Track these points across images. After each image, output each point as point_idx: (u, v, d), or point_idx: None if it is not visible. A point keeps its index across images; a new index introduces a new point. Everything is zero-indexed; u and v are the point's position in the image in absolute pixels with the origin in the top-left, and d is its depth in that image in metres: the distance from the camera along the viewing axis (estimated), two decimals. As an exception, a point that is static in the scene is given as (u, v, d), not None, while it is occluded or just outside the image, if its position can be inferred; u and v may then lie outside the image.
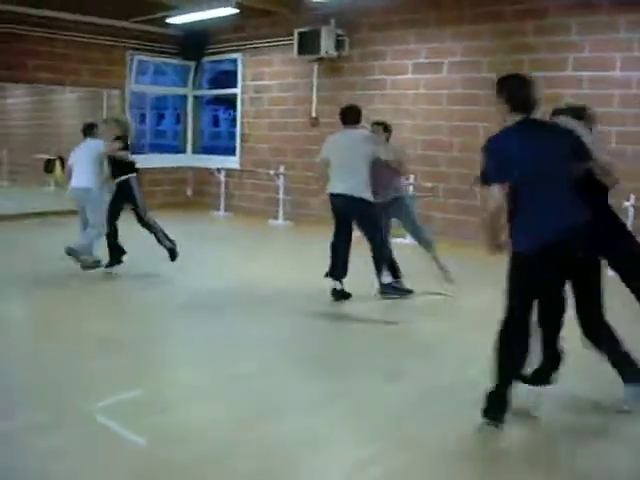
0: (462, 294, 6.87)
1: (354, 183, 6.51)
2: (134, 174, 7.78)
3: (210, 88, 14.71)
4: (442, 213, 10.22)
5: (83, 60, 12.03)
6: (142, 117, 15.04)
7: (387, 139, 7.03)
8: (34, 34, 11.30)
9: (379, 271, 6.62)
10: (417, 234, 7.10)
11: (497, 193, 3.62)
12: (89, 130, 7.85)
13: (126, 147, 7.67)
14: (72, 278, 7.37)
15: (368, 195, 6.52)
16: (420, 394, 4.37)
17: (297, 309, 6.43)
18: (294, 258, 9.09)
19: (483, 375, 3.89)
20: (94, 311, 6.33)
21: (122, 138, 7.65)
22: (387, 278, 6.66)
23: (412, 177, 10.07)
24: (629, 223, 8.09)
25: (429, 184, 10.18)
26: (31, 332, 5.87)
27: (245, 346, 5.35)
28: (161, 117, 16.97)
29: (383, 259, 6.65)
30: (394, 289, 6.76)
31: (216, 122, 15.23)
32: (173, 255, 7.81)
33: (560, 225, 3.64)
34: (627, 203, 8.32)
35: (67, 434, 3.72)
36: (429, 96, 10.33)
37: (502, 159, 3.69)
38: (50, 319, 6.10)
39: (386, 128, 7.07)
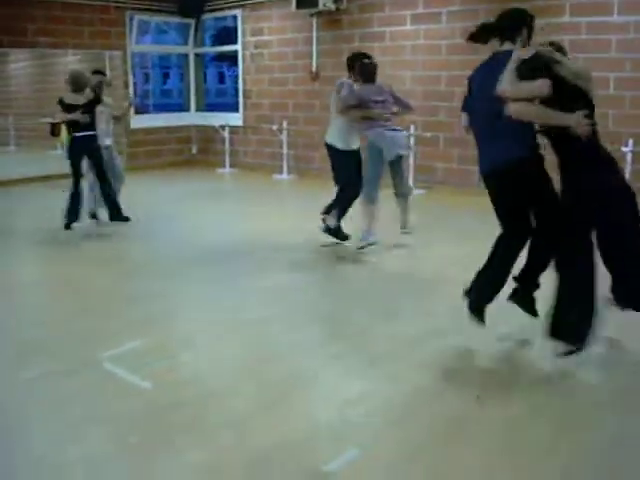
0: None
1: (329, 131, 6.90)
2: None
3: (213, 45, 14.69)
4: (443, 162, 10.32)
5: (82, 22, 12.07)
6: (146, 76, 15.04)
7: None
8: (32, -1, 11.34)
9: (328, 212, 6.91)
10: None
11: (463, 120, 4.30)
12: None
13: None
14: (84, 238, 7.59)
15: (339, 143, 6.73)
16: (414, 334, 4.54)
17: (298, 260, 6.60)
18: (296, 211, 9.22)
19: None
20: (105, 269, 6.53)
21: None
22: (332, 221, 6.86)
23: (412, 127, 10.17)
24: (627, 169, 8.18)
25: (428, 134, 10.26)
26: (47, 290, 6.11)
27: (248, 296, 5.54)
28: (166, 76, 16.97)
29: (339, 203, 6.86)
30: (334, 232, 6.99)
31: (222, 79, 15.23)
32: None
33: (494, 158, 4.04)
34: (625, 149, 8.37)
35: (78, 381, 3.96)
36: (428, 46, 10.35)
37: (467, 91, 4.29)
38: (64, 277, 6.31)
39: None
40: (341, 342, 4.55)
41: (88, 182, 7.86)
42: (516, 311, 4.38)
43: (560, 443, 3.18)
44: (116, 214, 7.84)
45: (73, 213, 7.67)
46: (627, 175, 7.81)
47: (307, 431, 3.34)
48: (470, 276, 4.32)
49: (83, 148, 7.62)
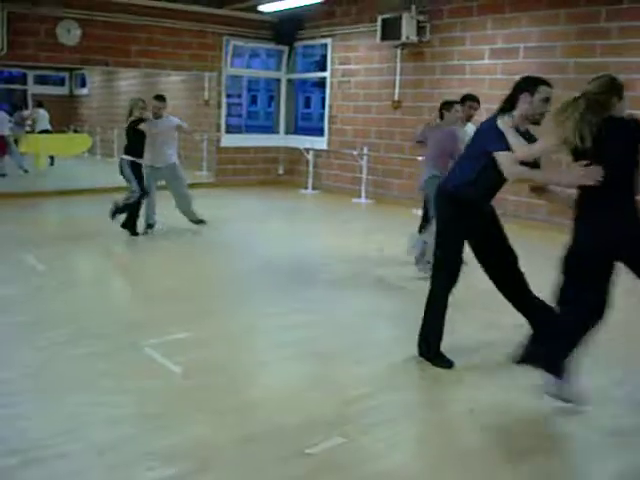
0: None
1: None
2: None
3: (304, 72, 15.30)
4: (513, 196, 10.48)
5: (181, 46, 12.93)
6: (237, 97, 15.83)
7: None
8: (136, 23, 12.25)
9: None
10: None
11: None
12: None
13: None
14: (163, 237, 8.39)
15: None
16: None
17: (349, 275, 7.00)
18: (366, 234, 9.60)
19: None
20: (176, 270, 7.17)
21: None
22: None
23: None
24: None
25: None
26: (107, 283, 6.77)
27: (294, 304, 5.98)
28: (254, 98, 17.74)
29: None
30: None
31: (308, 103, 15.88)
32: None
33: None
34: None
35: (118, 360, 4.52)
36: (506, 81, 10.55)
37: None
38: (125, 273, 6.94)
39: None
40: (364, 350, 4.89)
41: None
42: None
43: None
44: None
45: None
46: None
47: (302, 419, 3.73)
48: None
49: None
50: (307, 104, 15.38)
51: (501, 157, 4.13)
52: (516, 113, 4.27)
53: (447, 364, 4.50)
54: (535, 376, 3.81)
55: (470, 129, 7.06)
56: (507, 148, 4.13)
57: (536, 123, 4.32)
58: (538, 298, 4.59)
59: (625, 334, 5.13)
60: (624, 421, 3.83)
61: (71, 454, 3.29)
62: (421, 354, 4.61)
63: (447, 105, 7.32)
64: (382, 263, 7.58)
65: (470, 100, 7.43)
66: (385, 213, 11.37)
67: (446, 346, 4.56)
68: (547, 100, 4.27)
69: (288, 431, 3.60)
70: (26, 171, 15.08)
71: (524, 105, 4.26)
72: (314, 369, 4.54)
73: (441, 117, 7.33)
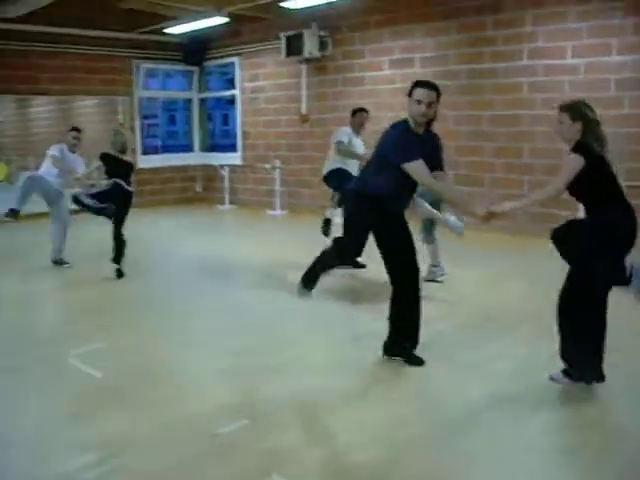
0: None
1: None
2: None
3: (217, 90, 15.65)
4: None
5: (91, 71, 13.12)
6: (154, 118, 16.09)
7: None
8: (45, 49, 12.43)
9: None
10: None
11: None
12: None
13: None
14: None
15: None
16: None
17: (266, 279, 7.39)
18: (278, 242, 10.02)
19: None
20: (93, 286, 7.43)
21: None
22: None
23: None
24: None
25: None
26: (26, 304, 6.99)
27: (199, 306, 6.36)
28: (172, 118, 18.01)
29: None
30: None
31: (226, 121, 16.23)
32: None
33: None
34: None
35: (41, 371, 4.82)
36: (405, 89, 11.10)
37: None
38: (50, 294, 7.18)
39: None
40: (271, 345, 5.29)
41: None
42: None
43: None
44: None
45: None
46: None
47: (213, 408, 4.11)
48: None
49: None
50: (225, 121, 15.71)
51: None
52: (408, 117, 4.64)
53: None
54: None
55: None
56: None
57: (420, 123, 4.58)
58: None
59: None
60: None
61: (-2, 451, 3.59)
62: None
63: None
64: (289, 269, 7.95)
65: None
66: (298, 221, 11.81)
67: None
68: (419, 102, 4.52)
69: (200, 417, 3.98)
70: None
71: (408, 109, 4.62)
72: (225, 364, 4.91)
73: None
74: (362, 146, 7.99)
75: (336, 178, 7.86)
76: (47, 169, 8.34)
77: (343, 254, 5.19)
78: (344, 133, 7.91)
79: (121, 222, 7.87)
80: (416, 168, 4.47)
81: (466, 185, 10.15)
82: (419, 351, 4.86)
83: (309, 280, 5.04)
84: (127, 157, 8.06)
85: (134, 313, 6.50)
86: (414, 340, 4.87)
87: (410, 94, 4.62)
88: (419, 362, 4.82)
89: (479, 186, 10.25)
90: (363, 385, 4.52)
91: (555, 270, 4.42)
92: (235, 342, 5.41)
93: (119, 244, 7.84)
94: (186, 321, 6.06)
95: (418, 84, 4.67)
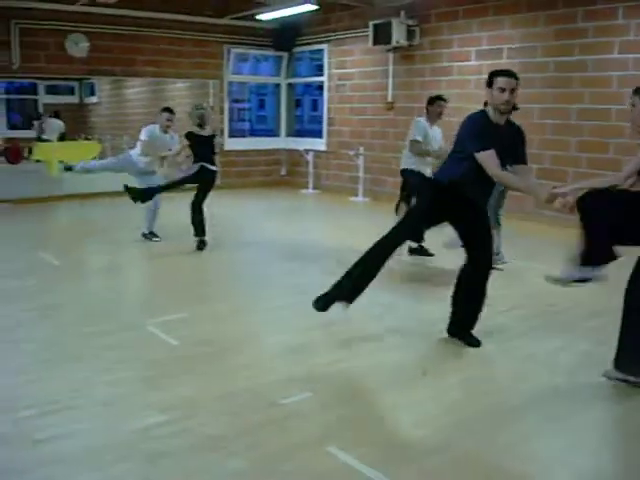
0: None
1: None
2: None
3: (305, 76, 15.87)
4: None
5: (184, 54, 13.58)
6: (244, 102, 16.46)
7: None
8: (140, 33, 12.92)
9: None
10: None
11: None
12: None
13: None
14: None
15: None
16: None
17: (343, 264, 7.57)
18: (359, 228, 10.16)
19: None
20: (177, 261, 7.82)
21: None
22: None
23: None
24: None
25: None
26: (115, 275, 7.40)
27: (282, 290, 6.62)
28: (262, 102, 18.33)
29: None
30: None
31: (315, 107, 16.43)
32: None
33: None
34: None
35: (122, 336, 5.17)
36: (491, 80, 11.11)
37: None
38: (132, 265, 7.57)
39: None
40: (336, 324, 5.48)
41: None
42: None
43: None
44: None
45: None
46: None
47: (279, 379, 4.34)
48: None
49: None
50: (314, 107, 15.90)
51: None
52: (488, 107, 4.71)
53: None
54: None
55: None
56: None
57: (505, 113, 4.67)
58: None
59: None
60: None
61: (79, 406, 3.91)
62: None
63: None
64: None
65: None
66: (380, 209, 11.92)
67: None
68: (502, 90, 4.56)
69: (265, 387, 4.20)
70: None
71: (489, 99, 4.68)
72: (293, 340, 5.14)
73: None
74: (440, 136, 8.02)
75: (411, 182, 7.93)
76: (138, 150, 8.72)
77: (400, 236, 5.14)
78: (420, 128, 7.85)
79: (204, 197, 8.21)
80: (486, 157, 4.56)
81: (550, 180, 10.06)
82: (483, 339, 4.96)
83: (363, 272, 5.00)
84: (207, 130, 8.35)
85: (213, 288, 6.86)
86: (473, 322, 5.02)
87: (490, 84, 4.66)
88: (477, 343, 4.95)
89: (563, 181, 10.12)
90: (424, 364, 4.63)
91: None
92: (305, 320, 5.59)
93: (199, 218, 8.16)
94: (261, 298, 6.34)
95: (498, 73, 4.71)
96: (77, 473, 3.23)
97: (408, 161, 8.00)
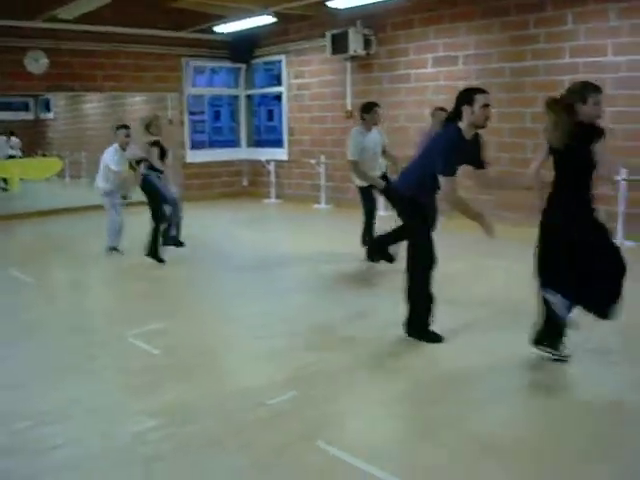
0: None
1: None
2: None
3: (263, 87, 16.01)
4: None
5: (143, 69, 13.66)
6: (201, 114, 16.56)
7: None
8: (98, 49, 12.97)
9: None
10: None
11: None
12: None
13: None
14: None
15: None
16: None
17: (307, 267, 7.75)
18: (324, 234, 10.39)
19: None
20: (146, 273, 7.91)
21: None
22: None
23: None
24: (622, 196, 9.05)
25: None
26: (89, 289, 7.44)
27: (248, 293, 6.82)
28: (217, 114, 18.40)
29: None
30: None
31: (271, 117, 16.56)
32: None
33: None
34: (618, 177, 9.15)
35: (105, 348, 5.29)
36: (448, 87, 11.38)
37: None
38: (102, 279, 7.66)
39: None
40: (311, 332, 5.63)
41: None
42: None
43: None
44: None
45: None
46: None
47: (263, 382, 4.47)
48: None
49: None
50: (270, 117, 16.02)
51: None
52: (462, 124, 4.87)
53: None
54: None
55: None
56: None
57: (482, 127, 4.92)
58: None
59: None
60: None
61: (72, 416, 4.02)
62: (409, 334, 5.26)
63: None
64: (331, 260, 8.33)
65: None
66: (343, 215, 12.13)
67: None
68: (485, 106, 4.80)
69: (251, 390, 4.35)
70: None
71: (468, 116, 4.83)
72: (273, 344, 5.29)
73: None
74: (379, 138, 8.08)
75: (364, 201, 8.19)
76: (110, 178, 8.79)
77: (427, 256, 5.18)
78: (355, 143, 7.86)
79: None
80: (449, 182, 4.86)
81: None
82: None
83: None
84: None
85: (186, 298, 6.96)
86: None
87: (470, 102, 4.80)
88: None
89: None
90: (400, 360, 4.81)
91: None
92: (282, 325, 5.76)
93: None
94: (236, 306, 6.47)
95: (477, 90, 4.91)
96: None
97: (356, 179, 8.15)
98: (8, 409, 4.13)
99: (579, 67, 9.74)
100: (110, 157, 8.66)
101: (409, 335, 5.22)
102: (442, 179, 4.84)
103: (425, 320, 5.19)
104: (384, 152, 8.11)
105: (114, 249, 8.88)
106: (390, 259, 7.54)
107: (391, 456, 3.49)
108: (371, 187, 8.04)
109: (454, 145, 4.86)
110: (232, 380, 4.58)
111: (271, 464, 3.42)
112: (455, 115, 4.91)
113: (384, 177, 7.94)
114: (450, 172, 4.82)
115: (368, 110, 7.99)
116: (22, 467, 3.44)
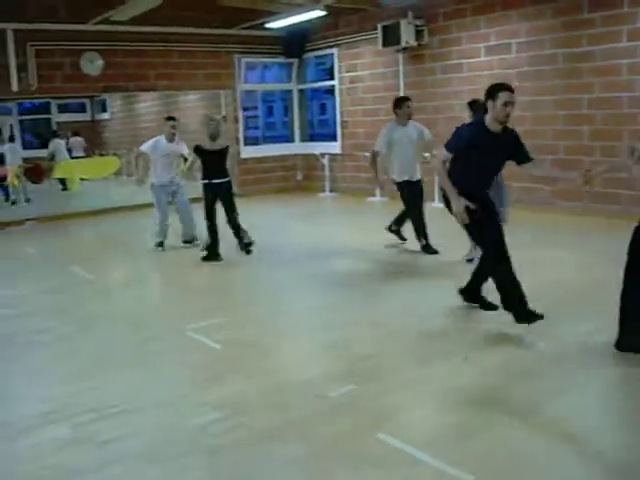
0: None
1: None
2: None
3: (315, 81, 16.06)
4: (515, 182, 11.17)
5: (196, 66, 13.82)
6: (254, 110, 16.72)
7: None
8: (152, 48, 13.18)
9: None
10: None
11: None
12: None
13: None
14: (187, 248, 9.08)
15: None
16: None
17: (363, 260, 7.78)
18: (376, 227, 10.33)
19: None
20: (205, 270, 8.10)
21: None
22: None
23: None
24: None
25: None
26: (149, 285, 7.65)
27: (306, 287, 6.87)
28: (270, 109, 18.53)
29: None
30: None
31: (323, 111, 16.64)
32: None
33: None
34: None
35: (166, 343, 5.41)
36: (502, 75, 11.25)
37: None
38: (162, 276, 7.82)
39: None
40: (368, 323, 5.66)
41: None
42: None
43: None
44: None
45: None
46: None
47: (322, 374, 4.52)
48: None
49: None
50: (323, 111, 16.06)
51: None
52: (487, 118, 5.07)
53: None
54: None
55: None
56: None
57: (503, 123, 5.06)
58: None
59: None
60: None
61: (136, 409, 4.12)
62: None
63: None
64: (386, 253, 8.37)
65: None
66: (397, 208, 12.06)
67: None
68: (506, 104, 4.93)
69: (310, 382, 4.40)
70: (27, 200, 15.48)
71: (490, 110, 5.02)
72: (331, 337, 5.34)
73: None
74: (416, 133, 8.31)
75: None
76: (157, 172, 8.96)
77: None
78: (383, 135, 8.30)
79: (230, 208, 8.40)
80: (443, 153, 5.14)
81: (564, 169, 10.24)
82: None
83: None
84: (218, 143, 8.42)
85: (243, 293, 7.06)
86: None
87: (493, 97, 4.96)
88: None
89: (577, 170, 10.25)
90: (459, 351, 4.79)
91: None
92: (338, 318, 5.80)
93: (236, 228, 8.56)
94: (292, 300, 6.58)
95: (501, 87, 5.04)
96: (142, 469, 3.42)
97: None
98: (72, 402, 4.26)
99: (638, 51, 9.52)
100: (145, 144, 9.02)
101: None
102: (441, 149, 5.17)
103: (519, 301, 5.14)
104: (426, 147, 8.14)
105: (158, 244, 9.11)
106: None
107: (451, 447, 3.50)
108: (407, 182, 8.24)
109: (471, 134, 5.09)
110: (291, 373, 4.66)
111: (332, 456, 3.46)
112: (483, 108, 5.15)
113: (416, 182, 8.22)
114: (451, 149, 5.10)
115: (400, 105, 8.28)
116: (87, 458, 3.55)
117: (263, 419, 3.90)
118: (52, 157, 17.06)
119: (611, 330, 4.67)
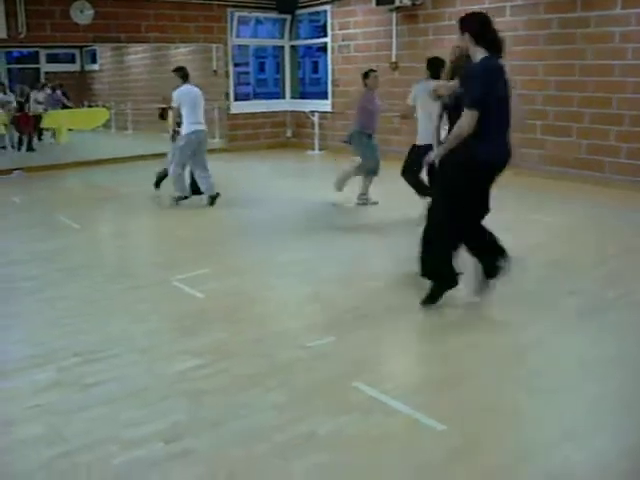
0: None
1: None
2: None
3: (307, 38, 15.95)
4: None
5: (188, 19, 13.68)
6: (245, 66, 16.59)
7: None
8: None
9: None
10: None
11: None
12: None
13: None
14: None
15: None
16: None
17: (350, 215, 7.84)
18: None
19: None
20: (192, 221, 8.13)
21: None
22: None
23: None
24: None
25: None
26: (133, 236, 7.70)
27: (289, 240, 6.97)
28: (262, 65, 18.40)
29: None
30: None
31: (316, 68, 16.54)
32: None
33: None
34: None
35: (150, 292, 5.47)
36: (495, 38, 11.22)
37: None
38: (147, 227, 7.86)
39: None
40: (353, 276, 5.73)
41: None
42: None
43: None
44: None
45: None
46: None
47: (304, 324, 4.61)
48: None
49: None
50: (315, 69, 15.95)
51: None
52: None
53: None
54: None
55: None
56: None
57: None
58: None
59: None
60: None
61: (120, 354, 4.20)
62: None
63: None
64: (374, 209, 8.48)
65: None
66: (387, 167, 12.11)
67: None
68: None
69: (291, 332, 4.49)
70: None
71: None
72: (313, 290, 5.45)
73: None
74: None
75: None
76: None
77: None
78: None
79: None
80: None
81: (554, 135, 10.29)
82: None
83: None
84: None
85: (230, 244, 7.13)
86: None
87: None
88: None
89: (567, 136, 10.31)
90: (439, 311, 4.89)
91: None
92: (323, 271, 5.88)
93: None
94: (279, 252, 6.61)
95: None
96: (125, 410, 3.50)
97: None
98: (57, 346, 4.33)
99: (632, 19, 9.50)
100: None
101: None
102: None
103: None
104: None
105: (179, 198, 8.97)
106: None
107: (426, 398, 3.60)
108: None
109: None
110: (273, 323, 4.73)
111: (309, 401, 3.56)
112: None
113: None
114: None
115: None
116: (72, 400, 3.63)
117: (244, 366, 3.98)
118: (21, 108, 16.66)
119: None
